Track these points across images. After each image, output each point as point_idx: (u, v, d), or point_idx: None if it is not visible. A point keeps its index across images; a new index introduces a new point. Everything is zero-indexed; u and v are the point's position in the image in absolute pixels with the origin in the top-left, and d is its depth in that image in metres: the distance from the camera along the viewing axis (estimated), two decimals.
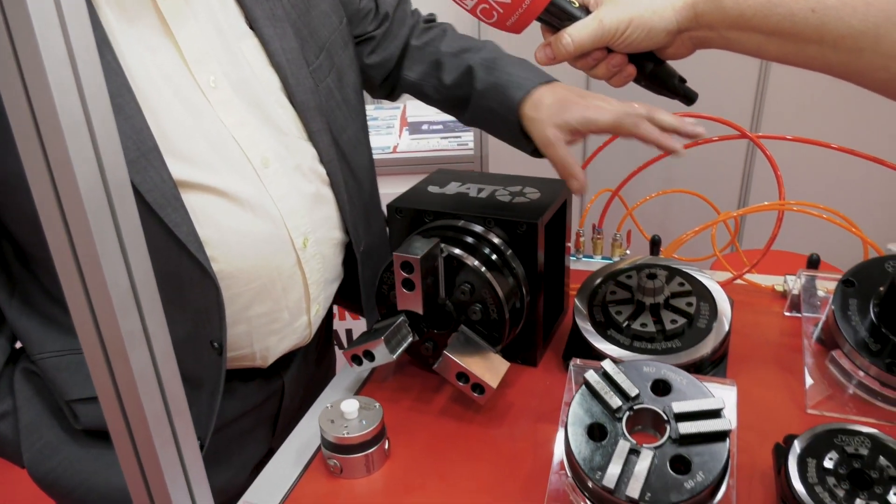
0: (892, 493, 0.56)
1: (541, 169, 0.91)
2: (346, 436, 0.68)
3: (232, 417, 0.87)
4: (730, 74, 2.28)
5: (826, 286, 0.93)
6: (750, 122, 2.36)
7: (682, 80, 0.73)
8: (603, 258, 1.15)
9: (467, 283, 0.76)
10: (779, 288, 1.01)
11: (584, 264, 1.14)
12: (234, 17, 0.79)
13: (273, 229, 0.77)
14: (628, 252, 1.14)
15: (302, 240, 0.80)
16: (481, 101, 0.90)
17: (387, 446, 0.72)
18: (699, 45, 0.68)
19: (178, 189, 0.69)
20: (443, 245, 0.76)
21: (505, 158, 2.45)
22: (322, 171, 0.85)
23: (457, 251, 0.76)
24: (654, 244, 1.04)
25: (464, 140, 1.82)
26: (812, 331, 0.85)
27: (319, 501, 0.68)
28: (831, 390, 0.77)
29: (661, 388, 0.60)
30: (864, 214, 1.16)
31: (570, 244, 1.11)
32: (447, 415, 0.78)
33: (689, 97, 0.74)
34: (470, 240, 0.79)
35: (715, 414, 0.57)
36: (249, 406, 0.89)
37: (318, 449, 0.73)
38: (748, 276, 1.01)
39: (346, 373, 0.87)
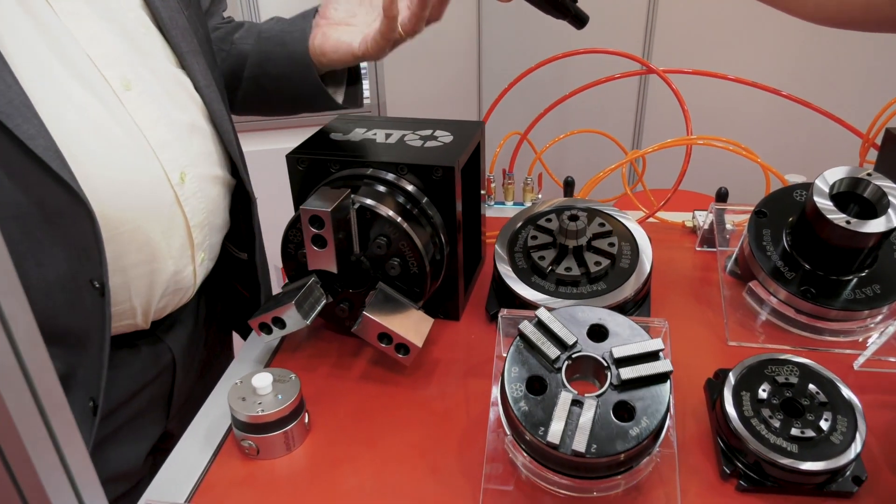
0: (822, 418, 0.57)
1: (440, 116, 0.87)
2: (261, 413, 0.61)
3: (122, 398, 0.77)
4: (617, 7, 2.30)
5: (734, 220, 0.94)
6: (642, 55, 2.40)
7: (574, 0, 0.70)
8: (515, 204, 1.12)
9: (383, 236, 0.70)
10: (689, 224, 1.02)
11: (496, 211, 1.10)
12: None
13: (143, 162, 0.67)
14: (540, 196, 1.12)
15: (178, 174, 0.71)
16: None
17: (306, 420, 0.65)
18: None
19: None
20: (354, 196, 0.69)
21: (406, 105, 2.37)
22: (198, 98, 0.76)
23: (369, 202, 0.69)
24: (568, 185, 1.01)
25: None
26: (726, 264, 0.86)
27: (236, 488, 0.61)
28: (750, 321, 0.78)
29: (598, 333, 0.58)
30: (763, 147, 1.18)
31: (483, 191, 1.07)
32: (370, 379, 0.73)
33: (580, 18, 0.71)
34: (382, 189, 0.73)
35: (654, 356, 0.55)
36: (139, 383, 0.80)
37: (229, 430, 0.66)
38: (657, 214, 1.01)
39: (254, 343, 0.79)
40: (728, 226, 0.92)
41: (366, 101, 1.64)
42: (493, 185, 1.11)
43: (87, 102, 0.63)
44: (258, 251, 0.90)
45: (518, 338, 0.58)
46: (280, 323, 0.71)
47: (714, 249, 0.95)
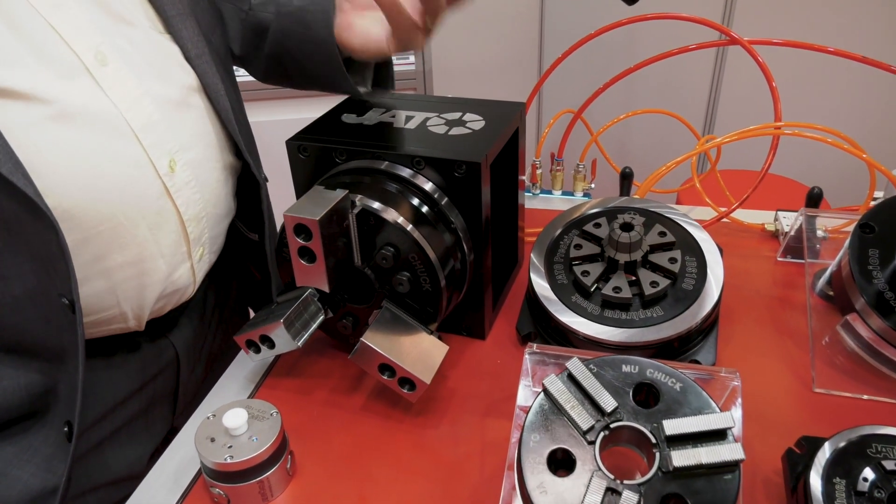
0: None
1: (496, 93, 0.73)
2: (228, 461, 0.51)
3: (120, 398, 0.69)
4: None
5: (827, 224, 0.78)
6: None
7: None
8: (564, 193, 0.98)
9: (389, 245, 0.58)
10: (769, 227, 0.86)
11: (542, 201, 0.97)
12: None
13: (122, 149, 0.57)
14: (593, 186, 0.97)
15: (167, 161, 0.60)
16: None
17: (289, 464, 0.55)
18: None
19: None
20: (356, 197, 0.57)
21: (456, 75, 2.20)
22: (189, 69, 0.65)
23: (375, 205, 0.57)
24: (625, 178, 0.87)
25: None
26: (815, 283, 0.70)
27: None
28: (845, 363, 0.63)
29: (647, 395, 0.45)
30: (864, 137, 1.00)
31: (525, 177, 0.93)
32: (371, 412, 0.62)
33: None
34: (393, 187, 0.60)
35: (720, 436, 0.41)
36: (138, 382, 0.71)
37: (199, 472, 0.57)
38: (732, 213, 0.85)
39: (246, 357, 0.69)
40: (820, 232, 0.76)
41: (410, 68, 1.50)
42: (538, 171, 0.97)
43: (52, 84, 0.53)
44: (269, 236, 0.80)
45: (542, 394, 0.45)
46: (268, 342, 0.61)
47: (801, 261, 0.79)
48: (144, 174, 0.58)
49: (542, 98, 2.12)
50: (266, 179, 0.77)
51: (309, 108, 1.79)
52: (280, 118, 1.73)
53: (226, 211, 0.72)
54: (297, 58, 0.75)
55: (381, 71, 0.80)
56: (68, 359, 0.59)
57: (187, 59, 0.64)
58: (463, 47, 1.96)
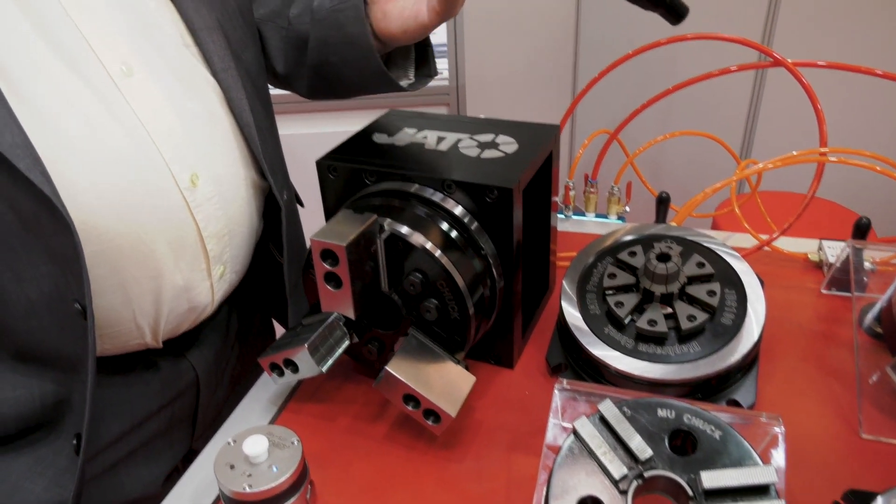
0: None
1: (530, 109, 0.71)
2: (247, 490, 0.50)
3: (137, 419, 0.69)
4: None
5: (874, 256, 0.74)
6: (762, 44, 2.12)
7: None
8: (597, 216, 0.96)
9: (417, 271, 0.57)
10: (813, 257, 0.82)
11: (574, 224, 0.94)
12: None
13: (142, 161, 0.57)
14: (628, 209, 0.95)
15: (188, 175, 0.60)
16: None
17: (308, 494, 0.54)
18: None
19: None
20: (385, 221, 0.56)
21: (490, 92, 2.19)
22: (214, 83, 0.64)
23: (403, 229, 0.56)
24: (662, 203, 0.84)
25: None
26: (862, 318, 0.67)
27: None
28: (893, 405, 0.59)
29: (684, 441, 0.42)
30: None
31: (558, 198, 0.91)
32: (394, 442, 0.60)
33: (677, 11, 0.57)
34: (422, 211, 0.59)
35: (762, 492, 0.39)
36: (157, 404, 0.71)
37: (217, 498, 0.56)
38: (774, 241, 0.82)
39: (269, 380, 0.68)
40: (867, 264, 0.72)
41: (443, 83, 1.49)
42: (571, 192, 0.95)
43: (75, 91, 0.53)
44: (288, 262, 0.79)
45: (571, 436, 0.43)
46: (292, 366, 0.59)
47: (847, 294, 0.75)
48: (164, 188, 0.58)
49: (576, 116, 2.09)
50: (297, 201, 0.76)
51: (347, 121, 1.79)
52: (316, 131, 1.74)
53: (250, 230, 0.71)
54: (336, 63, 0.74)
55: (422, 62, 0.79)
56: (82, 369, 0.59)
57: (213, 72, 0.64)
58: (497, 63, 1.94)
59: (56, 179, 0.51)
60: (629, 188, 0.94)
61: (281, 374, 0.61)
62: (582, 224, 0.94)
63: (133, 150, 0.56)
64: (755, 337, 0.58)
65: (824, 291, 0.77)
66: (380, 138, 0.69)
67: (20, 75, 0.51)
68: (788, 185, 1.65)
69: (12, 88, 0.50)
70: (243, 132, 0.66)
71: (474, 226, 0.60)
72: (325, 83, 0.78)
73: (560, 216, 0.96)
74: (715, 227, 1.60)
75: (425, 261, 0.56)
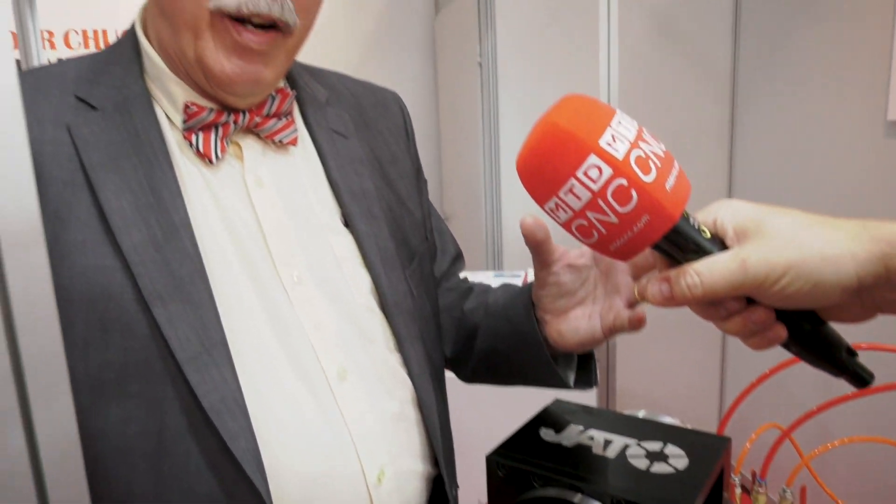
0: None
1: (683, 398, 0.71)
2: None
3: None
4: None
5: None
6: None
7: (852, 353, 0.51)
8: None
9: None
10: None
11: None
12: (330, 211, 0.71)
13: (341, 459, 0.62)
14: None
15: (377, 473, 0.64)
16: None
17: None
18: (885, 308, 0.48)
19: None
20: None
21: (638, 391, 2.19)
22: (410, 385, 0.71)
23: None
24: None
25: None
26: None
27: None
28: None
29: None
30: None
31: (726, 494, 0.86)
32: None
33: (861, 378, 0.51)
34: None
35: None
36: None
37: None
38: None
39: None
40: None
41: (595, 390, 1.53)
42: (737, 489, 0.90)
43: (298, 394, 0.62)
44: None
45: None
46: None
47: None
48: (355, 485, 0.63)
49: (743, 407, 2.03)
50: (457, 487, 0.78)
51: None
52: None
53: None
54: (504, 351, 0.79)
55: (584, 366, 0.82)
56: None
57: (410, 376, 0.71)
58: (649, 368, 1.96)
59: (266, 462, 0.58)
60: (804, 494, 0.88)
61: None
62: None
63: (335, 449, 0.62)
64: None
65: None
66: (547, 434, 0.71)
67: (258, 386, 0.60)
68: None
69: (252, 395, 0.59)
70: (428, 431, 0.71)
71: None
72: (489, 369, 0.84)
73: None
74: None
75: None
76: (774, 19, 2.29)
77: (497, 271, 2.31)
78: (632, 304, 0.67)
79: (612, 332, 0.68)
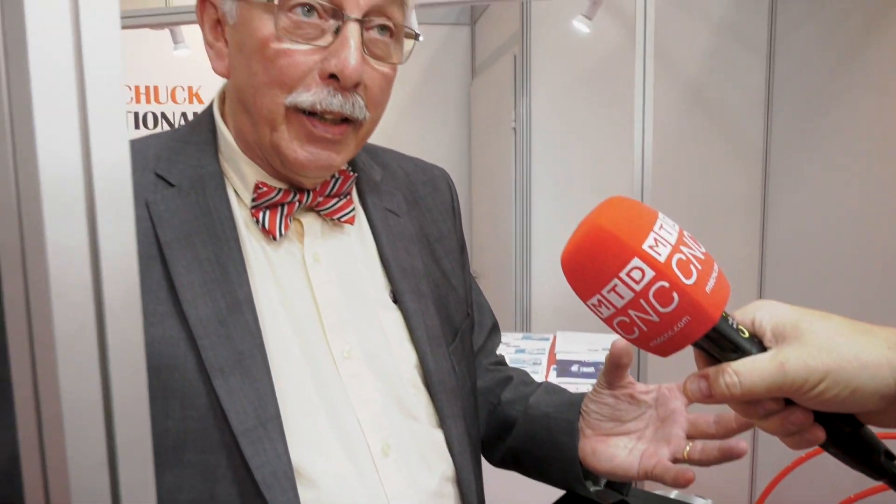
0: None
1: None
2: None
3: None
4: None
5: None
6: None
7: (891, 457, 0.51)
8: None
9: None
10: None
11: None
12: (380, 288, 0.73)
13: None
14: None
15: None
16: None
17: None
18: None
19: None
20: None
21: None
22: (450, 462, 0.71)
23: None
24: None
25: None
26: None
27: None
28: None
29: None
30: None
31: None
32: None
33: None
34: None
35: None
36: None
37: None
38: None
39: None
40: None
41: None
42: None
43: (344, 469, 0.63)
44: None
45: None
46: None
47: None
48: None
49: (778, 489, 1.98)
50: None
51: None
52: None
53: None
54: (536, 456, 0.79)
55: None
56: None
57: (451, 453, 0.71)
58: None
59: None
60: None
61: None
62: None
63: None
64: None
65: None
66: None
67: (307, 461, 0.61)
68: None
69: (301, 470, 0.60)
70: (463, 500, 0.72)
71: None
72: (516, 464, 0.84)
73: None
74: None
75: None
76: (807, 91, 2.31)
77: (525, 333, 2.31)
78: (676, 460, 0.67)
79: (647, 476, 0.68)
